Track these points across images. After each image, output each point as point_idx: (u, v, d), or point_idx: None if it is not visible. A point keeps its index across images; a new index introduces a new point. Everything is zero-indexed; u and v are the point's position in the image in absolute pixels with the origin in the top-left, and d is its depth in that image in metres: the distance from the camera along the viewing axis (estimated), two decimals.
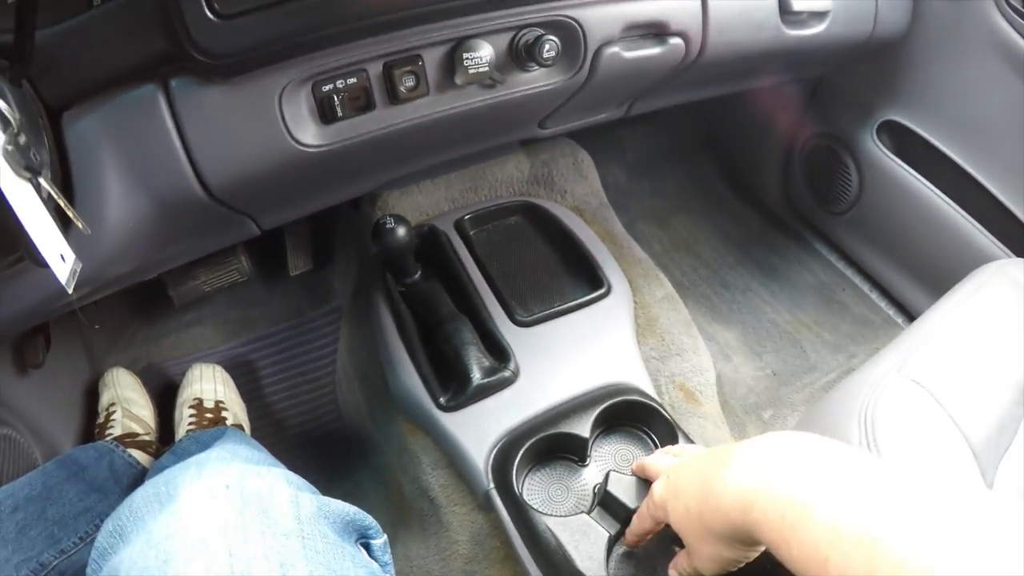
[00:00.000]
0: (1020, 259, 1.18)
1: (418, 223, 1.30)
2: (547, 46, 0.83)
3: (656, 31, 0.97)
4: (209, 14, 0.65)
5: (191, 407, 1.28)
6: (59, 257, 0.61)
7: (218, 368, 1.37)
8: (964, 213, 1.42)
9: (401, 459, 1.15)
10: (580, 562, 0.83)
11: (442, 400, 1.04)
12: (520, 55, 0.85)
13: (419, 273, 1.20)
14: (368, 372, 1.28)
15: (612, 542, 0.87)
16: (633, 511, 0.88)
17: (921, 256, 1.45)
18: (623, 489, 0.88)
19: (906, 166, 1.49)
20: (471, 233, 1.28)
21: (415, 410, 1.09)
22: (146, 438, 1.24)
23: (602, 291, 1.19)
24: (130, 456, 1.13)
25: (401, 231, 1.09)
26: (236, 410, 1.32)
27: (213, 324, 1.50)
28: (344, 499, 0.65)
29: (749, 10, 1.09)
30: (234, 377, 1.39)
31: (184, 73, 0.72)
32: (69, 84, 0.69)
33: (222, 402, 1.31)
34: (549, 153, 1.45)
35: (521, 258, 1.26)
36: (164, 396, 1.38)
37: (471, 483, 1.00)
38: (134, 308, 1.50)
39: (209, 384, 1.32)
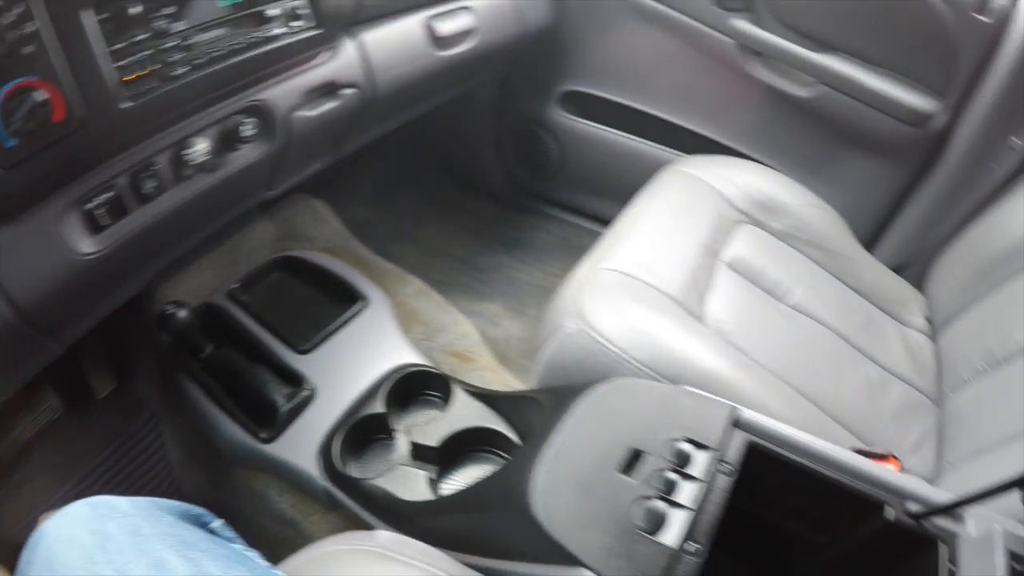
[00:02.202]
0: (687, 156, 1.64)
1: (196, 305, 1.54)
2: (245, 127, 1.14)
3: (330, 88, 1.30)
4: None
5: None
6: None
7: None
8: (644, 140, 1.90)
9: (254, 504, 1.40)
10: (411, 499, 1.14)
11: (263, 435, 1.32)
12: (227, 139, 1.14)
13: (210, 347, 1.46)
14: (199, 451, 1.51)
15: (433, 481, 1.19)
16: (437, 448, 1.21)
17: (624, 185, 1.74)
18: (425, 436, 1.22)
19: (590, 122, 1.97)
20: (243, 298, 1.55)
21: (246, 454, 1.35)
22: None
23: (361, 304, 1.53)
24: None
25: (182, 312, 1.35)
26: None
27: (42, 474, 1.58)
28: None
29: (404, 47, 1.45)
30: None
31: None
32: None
33: None
34: (289, 211, 1.77)
35: (291, 303, 1.57)
36: None
37: (313, 491, 1.29)
38: None
39: None
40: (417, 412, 1.36)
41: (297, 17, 1.16)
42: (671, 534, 0.77)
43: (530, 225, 2.23)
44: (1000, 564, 0.69)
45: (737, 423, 0.90)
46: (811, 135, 1.78)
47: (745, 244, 1.47)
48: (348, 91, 1.34)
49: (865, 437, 1.24)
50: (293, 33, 1.16)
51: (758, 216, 1.53)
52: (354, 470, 1.27)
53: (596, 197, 2.10)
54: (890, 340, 1.46)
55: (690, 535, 0.78)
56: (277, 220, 1.76)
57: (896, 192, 1.75)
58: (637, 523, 0.78)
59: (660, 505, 0.80)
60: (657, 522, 0.78)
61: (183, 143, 1.10)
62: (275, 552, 0.91)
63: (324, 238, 1.78)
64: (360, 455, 1.31)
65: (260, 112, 1.19)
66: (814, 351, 1.34)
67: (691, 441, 0.87)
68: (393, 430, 1.31)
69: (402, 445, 1.27)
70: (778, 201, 1.55)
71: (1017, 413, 1.14)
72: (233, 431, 1.37)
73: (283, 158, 1.31)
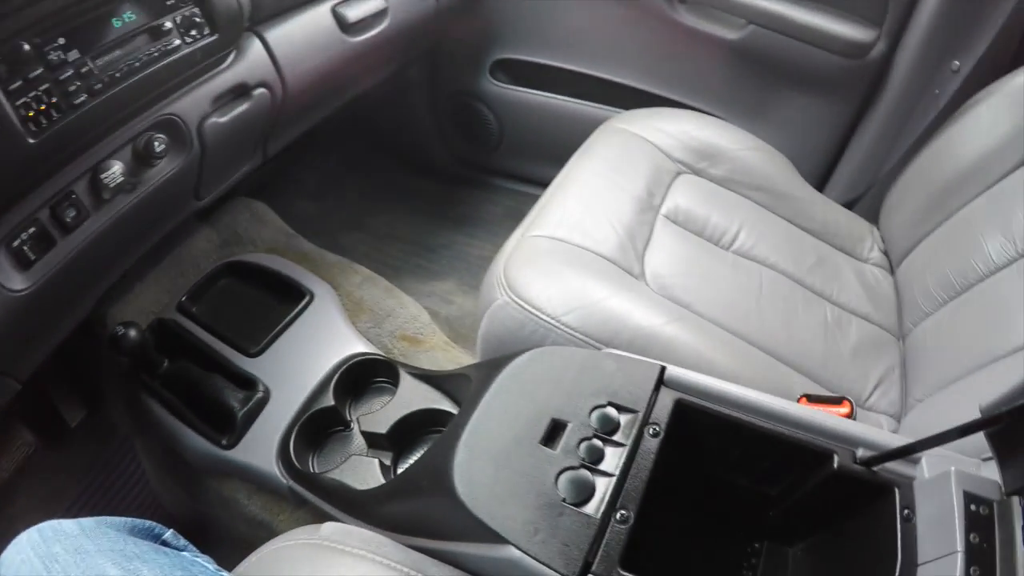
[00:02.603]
0: (621, 111, 1.66)
1: (149, 322, 1.58)
2: (156, 142, 1.17)
3: (241, 91, 1.33)
4: None
5: None
6: None
7: None
8: (582, 101, 1.94)
9: (228, 510, 1.44)
10: (365, 488, 1.18)
11: (224, 442, 1.37)
12: (142, 157, 1.17)
13: (167, 363, 1.50)
14: (171, 465, 1.54)
15: (386, 468, 1.24)
16: (386, 434, 1.25)
17: (567, 148, 1.74)
18: (374, 424, 1.27)
19: (526, 89, 2.00)
20: (193, 309, 1.59)
21: (211, 462, 1.40)
22: None
23: (306, 299, 1.58)
24: None
25: (132, 332, 1.36)
26: None
27: (31, 511, 1.62)
28: None
29: (312, 39, 1.47)
30: None
31: None
32: None
33: None
34: (229, 216, 1.80)
35: (239, 307, 1.61)
36: None
37: (278, 490, 1.34)
38: None
39: None
40: (372, 400, 1.42)
41: (193, 26, 1.18)
42: (596, 504, 0.80)
43: (478, 199, 2.28)
44: (956, 504, 0.71)
45: (665, 382, 0.92)
46: (748, 78, 1.81)
47: (684, 195, 1.49)
48: (258, 91, 1.37)
49: (824, 380, 1.27)
50: (191, 43, 1.19)
51: (697, 164, 1.56)
52: (317, 465, 1.33)
53: (541, 164, 2.11)
54: (846, 278, 1.49)
55: (617, 503, 0.80)
56: (218, 227, 1.79)
57: (842, 127, 1.79)
58: (561, 495, 0.80)
59: (584, 475, 0.82)
60: (582, 492, 0.80)
61: (98, 168, 1.13)
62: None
63: (267, 238, 1.81)
64: (321, 449, 1.36)
65: (170, 125, 1.23)
66: (763, 297, 1.37)
67: (615, 405, 0.89)
68: (350, 421, 1.36)
69: (359, 435, 1.33)
70: (717, 147, 1.58)
71: (980, 343, 1.16)
72: (197, 441, 1.41)
73: (204, 167, 1.34)
